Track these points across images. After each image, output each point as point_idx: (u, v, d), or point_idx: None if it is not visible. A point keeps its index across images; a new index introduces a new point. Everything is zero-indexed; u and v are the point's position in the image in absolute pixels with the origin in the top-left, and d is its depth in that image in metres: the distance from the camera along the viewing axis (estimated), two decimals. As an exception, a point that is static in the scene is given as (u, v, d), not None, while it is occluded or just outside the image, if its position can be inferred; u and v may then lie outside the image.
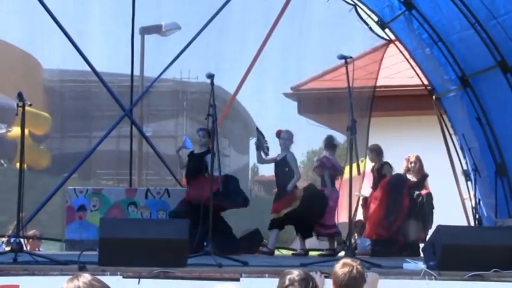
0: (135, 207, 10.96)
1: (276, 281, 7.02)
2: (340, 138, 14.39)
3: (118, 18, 12.88)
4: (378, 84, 13.81)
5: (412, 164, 11.05)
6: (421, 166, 11.09)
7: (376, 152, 11.03)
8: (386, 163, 10.97)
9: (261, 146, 10.64)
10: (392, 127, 14.30)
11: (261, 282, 7.03)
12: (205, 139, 10.13)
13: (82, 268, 6.84)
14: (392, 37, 13.07)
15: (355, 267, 4.83)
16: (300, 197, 10.33)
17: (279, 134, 10.68)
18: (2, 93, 15.93)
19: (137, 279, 6.78)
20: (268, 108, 14.02)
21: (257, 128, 10.84)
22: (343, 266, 4.85)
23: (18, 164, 16.28)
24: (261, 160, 10.82)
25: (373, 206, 10.80)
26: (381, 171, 10.92)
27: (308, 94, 14.77)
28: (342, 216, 10.72)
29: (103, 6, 12.97)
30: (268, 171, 14.74)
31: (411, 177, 11.05)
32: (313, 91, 14.69)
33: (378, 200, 10.76)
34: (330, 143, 11.02)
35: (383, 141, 11.88)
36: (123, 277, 6.80)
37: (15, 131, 18.24)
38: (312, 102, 14.63)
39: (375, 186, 11.04)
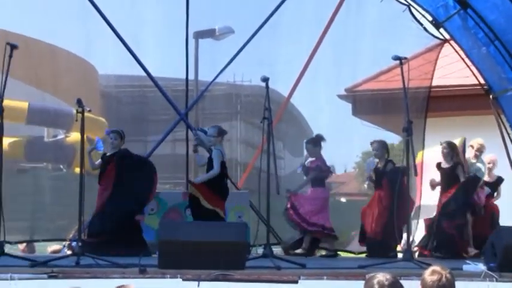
0: (192, 210, 11.02)
1: (334, 283, 7.06)
2: (396, 139, 14.35)
3: (172, 23, 13.03)
4: (433, 84, 13.69)
5: (491, 165, 11.05)
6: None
7: (382, 146, 10.86)
8: (390, 161, 10.82)
9: (204, 145, 10.29)
10: (448, 127, 14.11)
11: (320, 284, 7.04)
12: (116, 141, 10.06)
13: (143, 271, 6.94)
14: (447, 36, 12.96)
15: (444, 275, 4.70)
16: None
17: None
18: (60, 99, 16.20)
19: (197, 282, 6.85)
20: (323, 110, 14.00)
21: (198, 128, 10.53)
22: (432, 273, 4.71)
23: (76, 169, 16.51)
24: (201, 161, 10.45)
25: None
26: (385, 169, 10.77)
27: (362, 95, 14.69)
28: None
29: (157, 12, 13.12)
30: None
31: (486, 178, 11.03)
32: (367, 92, 14.61)
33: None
34: (319, 140, 10.77)
35: (439, 142, 11.76)
36: (183, 280, 6.89)
37: (74, 136, 18.52)
38: (366, 103, 14.56)
39: (377, 185, 10.87)
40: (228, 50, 12.93)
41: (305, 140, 11.01)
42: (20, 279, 6.82)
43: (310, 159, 10.77)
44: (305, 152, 11.03)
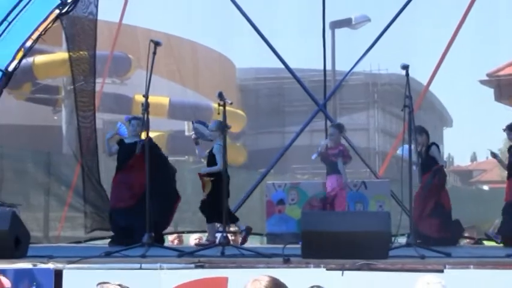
0: (331, 200, 11.05)
1: (481, 272, 6.90)
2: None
3: (308, 14, 13.10)
4: None
5: None
6: None
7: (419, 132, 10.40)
8: (434, 144, 10.36)
9: (204, 137, 9.97)
10: None
11: (466, 273, 6.89)
12: (139, 128, 9.53)
13: (286, 261, 7.01)
14: None
15: None
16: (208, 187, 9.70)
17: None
18: (200, 93, 16.61)
19: (340, 272, 6.85)
20: (463, 97, 13.79)
21: (195, 121, 10.22)
22: None
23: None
24: (202, 153, 10.16)
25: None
26: (428, 152, 10.33)
27: (506, 80, 14.27)
28: None
29: (293, 3, 13.23)
30: (464, 161, 14.42)
31: None
32: (511, 76, 14.19)
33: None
34: (343, 127, 10.46)
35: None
36: (327, 269, 6.90)
37: (213, 129, 18.97)
38: (510, 88, 14.13)
39: (423, 169, 10.32)
40: (365, 39, 12.90)
41: (330, 124, 10.79)
42: (168, 268, 7.05)
43: (324, 143, 10.46)
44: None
